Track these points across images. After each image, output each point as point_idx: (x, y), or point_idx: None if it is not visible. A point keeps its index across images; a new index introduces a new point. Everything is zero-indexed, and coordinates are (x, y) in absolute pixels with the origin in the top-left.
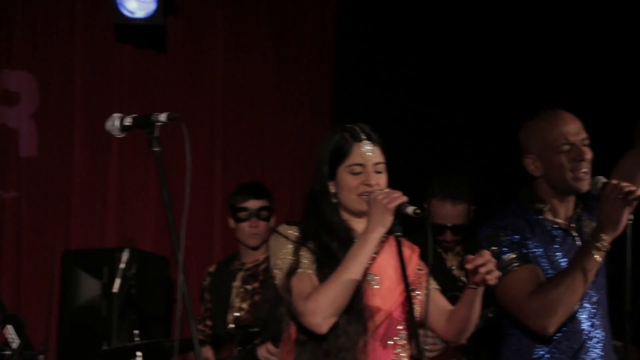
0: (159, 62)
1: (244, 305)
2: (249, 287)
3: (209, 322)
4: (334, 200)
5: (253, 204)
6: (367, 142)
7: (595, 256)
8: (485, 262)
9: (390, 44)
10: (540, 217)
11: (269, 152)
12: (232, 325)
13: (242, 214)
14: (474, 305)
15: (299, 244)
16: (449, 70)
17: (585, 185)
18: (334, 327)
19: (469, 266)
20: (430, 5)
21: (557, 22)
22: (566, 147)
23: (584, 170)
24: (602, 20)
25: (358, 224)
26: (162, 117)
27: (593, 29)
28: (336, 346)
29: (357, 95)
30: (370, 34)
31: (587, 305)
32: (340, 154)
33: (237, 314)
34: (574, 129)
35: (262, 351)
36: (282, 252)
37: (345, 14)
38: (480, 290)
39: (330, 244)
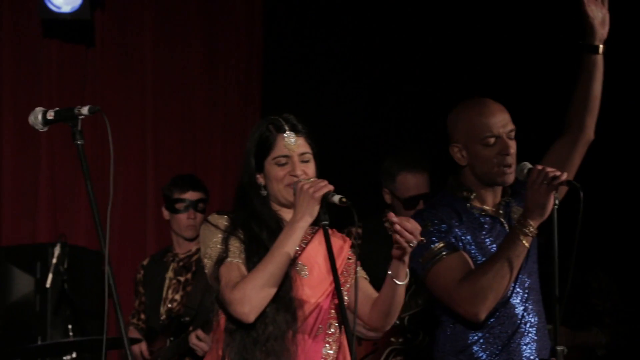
0: (87, 56)
1: (177, 297)
2: (181, 278)
3: (142, 316)
4: (264, 192)
5: (191, 195)
6: (290, 132)
7: (522, 242)
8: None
9: (318, 35)
10: (467, 204)
11: (199, 145)
12: (164, 317)
13: (180, 205)
14: (397, 295)
15: (229, 233)
16: (377, 59)
17: (509, 179)
18: (263, 316)
19: (394, 219)
20: None
21: (487, 10)
22: (491, 140)
23: (508, 164)
24: (535, 11)
25: (288, 214)
26: (85, 110)
27: (523, 18)
28: (265, 335)
29: (286, 87)
30: (299, 25)
31: (520, 290)
32: (265, 146)
33: (169, 306)
34: (500, 120)
35: (192, 338)
36: (212, 241)
37: (273, 6)
38: (404, 286)
39: (260, 233)
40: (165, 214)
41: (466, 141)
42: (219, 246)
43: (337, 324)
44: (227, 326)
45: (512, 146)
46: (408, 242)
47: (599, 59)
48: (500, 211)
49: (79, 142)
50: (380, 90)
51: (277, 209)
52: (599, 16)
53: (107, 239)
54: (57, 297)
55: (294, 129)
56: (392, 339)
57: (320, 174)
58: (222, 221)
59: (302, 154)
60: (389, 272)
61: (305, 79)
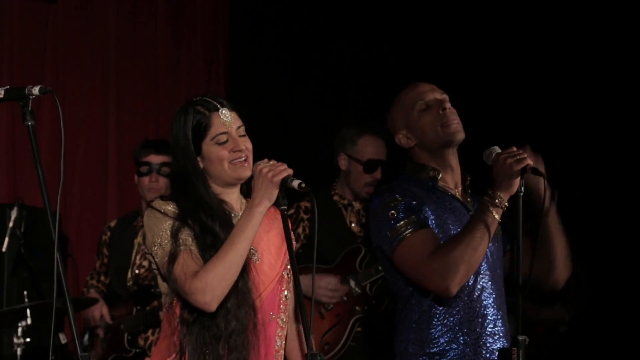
0: (49, 13)
1: (145, 263)
2: None
3: (103, 278)
4: (204, 177)
5: (154, 158)
6: (223, 109)
7: (492, 213)
8: None
9: (285, 7)
10: (435, 184)
11: (163, 111)
12: (131, 283)
13: (143, 168)
14: None
15: (179, 220)
16: (345, 32)
17: (458, 134)
18: (225, 312)
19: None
20: None
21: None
22: (423, 105)
23: (450, 118)
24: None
25: (230, 195)
26: (35, 90)
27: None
28: (228, 331)
29: (251, 54)
30: None
31: (488, 283)
32: (201, 129)
33: (137, 272)
34: (427, 89)
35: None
36: (162, 229)
37: None
38: None
39: (212, 225)
40: (135, 177)
41: (405, 122)
42: (169, 233)
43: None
44: (183, 316)
45: (445, 102)
46: None
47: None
48: (469, 199)
49: (29, 123)
50: (342, 68)
51: (219, 192)
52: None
53: (57, 225)
54: (13, 261)
55: (226, 105)
56: (357, 308)
57: (276, 146)
58: (170, 207)
59: (238, 127)
60: None
61: (271, 49)
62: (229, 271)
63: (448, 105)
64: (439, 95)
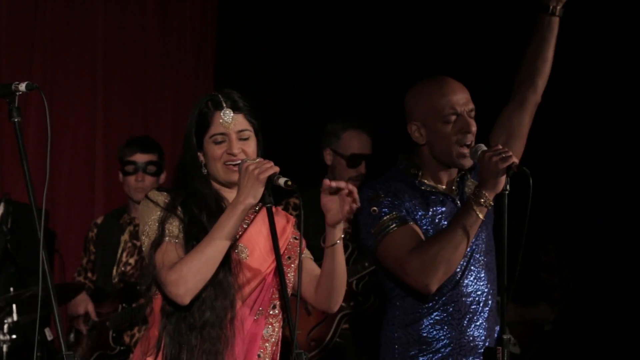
0: (37, 6)
1: (131, 261)
2: (137, 242)
3: (90, 275)
4: (204, 171)
5: (140, 157)
6: (228, 110)
7: (476, 212)
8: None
9: (273, 1)
10: (416, 181)
11: (151, 106)
12: (116, 280)
13: (129, 168)
14: (336, 260)
15: (168, 210)
16: (333, 24)
17: (467, 163)
18: (201, 302)
19: (333, 183)
20: None
21: None
22: (453, 117)
23: (468, 142)
24: None
25: (229, 194)
26: (22, 86)
27: None
28: (201, 321)
29: (239, 49)
30: None
31: (475, 268)
32: (203, 124)
33: (123, 269)
34: (461, 98)
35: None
36: (151, 219)
37: None
38: (340, 246)
39: (200, 215)
40: (120, 176)
41: (425, 119)
42: (157, 224)
43: (279, 305)
44: (163, 307)
45: (473, 125)
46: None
47: (554, 22)
48: (453, 187)
49: (15, 120)
50: (332, 64)
51: (218, 188)
52: None
53: (44, 221)
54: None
55: (232, 106)
56: (343, 304)
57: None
58: (162, 198)
59: (240, 131)
60: (325, 244)
61: (259, 43)
62: (205, 266)
63: (473, 129)
64: (467, 108)
